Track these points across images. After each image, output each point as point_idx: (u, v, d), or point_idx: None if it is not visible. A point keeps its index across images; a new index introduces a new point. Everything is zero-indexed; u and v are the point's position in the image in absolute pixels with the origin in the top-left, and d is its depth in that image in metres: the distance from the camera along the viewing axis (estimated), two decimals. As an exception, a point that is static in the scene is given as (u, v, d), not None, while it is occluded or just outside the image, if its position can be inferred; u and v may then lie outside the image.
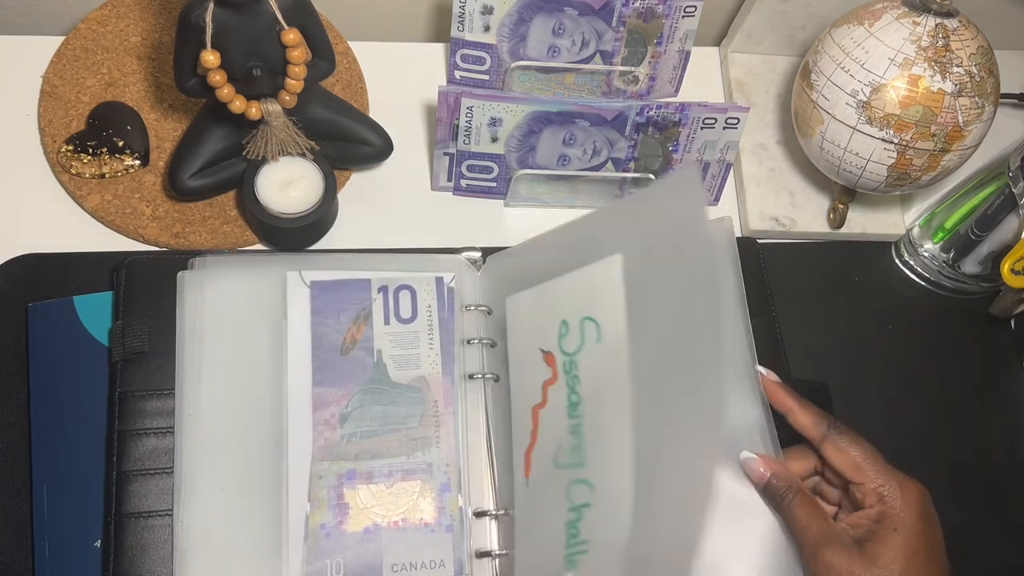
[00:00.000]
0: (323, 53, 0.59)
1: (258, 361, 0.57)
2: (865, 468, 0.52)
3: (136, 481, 0.54)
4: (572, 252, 0.58)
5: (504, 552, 0.56)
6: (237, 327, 0.57)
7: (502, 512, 0.56)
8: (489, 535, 0.56)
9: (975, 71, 0.63)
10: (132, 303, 0.58)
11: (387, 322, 0.59)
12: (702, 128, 0.68)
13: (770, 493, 0.53)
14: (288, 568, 0.53)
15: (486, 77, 0.73)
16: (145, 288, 0.58)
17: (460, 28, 0.70)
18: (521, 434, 0.56)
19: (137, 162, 0.66)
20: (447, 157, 0.68)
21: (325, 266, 0.60)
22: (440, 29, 0.82)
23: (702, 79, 0.79)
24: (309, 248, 0.66)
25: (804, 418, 0.54)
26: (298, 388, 0.56)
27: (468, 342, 0.60)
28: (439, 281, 0.61)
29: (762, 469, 0.53)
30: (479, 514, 0.56)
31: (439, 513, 0.55)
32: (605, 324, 0.55)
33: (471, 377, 0.60)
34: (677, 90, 0.77)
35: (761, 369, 0.57)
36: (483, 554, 0.56)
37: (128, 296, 0.58)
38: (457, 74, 0.73)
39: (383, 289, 0.59)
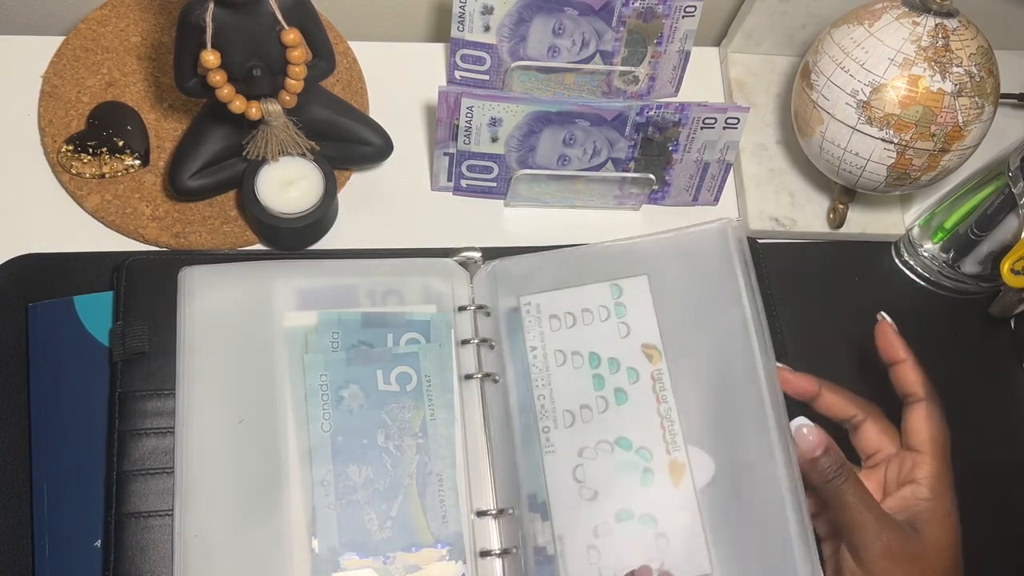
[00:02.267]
0: (323, 53, 0.59)
1: (258, 363, 0.57)
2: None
3: (136, 481, 0.54)
4: (599, 268, 0.62)
5: (507, 550, 0.56)
6: (237, 327, 0.57)
7: (504, 510, 0.57)
8: (490, 534, 0.56)
9: (975, 71, 0.63)
10: (132, 303, 0.58)
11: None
12: (702, 128, 0.68)
13: (817, 469, 0.51)
14: (289, 569, 0.53)
15: (486, 77, 0.73)
16: (145, 288, 0.58)
17: (460, 28, 0.70)
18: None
19: (137, 162, 0.66)
20: (447, 157, 0.68)
21: (315, 278, 0.60)
22: (440, 29, 0.82)
23: (702, 79, 0.79)
24: (309, 247, 0.66)
25: (835, 400, 0.55)
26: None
27: (465, 343, 0.61)
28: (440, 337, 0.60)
29: (815, 441, 0.51)
30: (480, 514, 0.57)
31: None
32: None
33: (468, 378, 0.60)
34: (677, 90, 0.77)
35: (885, 316, 0.58)
36: (485, 553, 0.56)
37: (128, 296, 0.58)
38: (457, 74, 0.73)
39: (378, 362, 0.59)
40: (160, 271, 0.58)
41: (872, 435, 0.55)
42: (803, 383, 0.56)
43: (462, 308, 0.61)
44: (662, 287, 0.61)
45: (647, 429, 0.58)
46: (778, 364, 0.57)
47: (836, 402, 0.56)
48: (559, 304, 0.61)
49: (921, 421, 0.53)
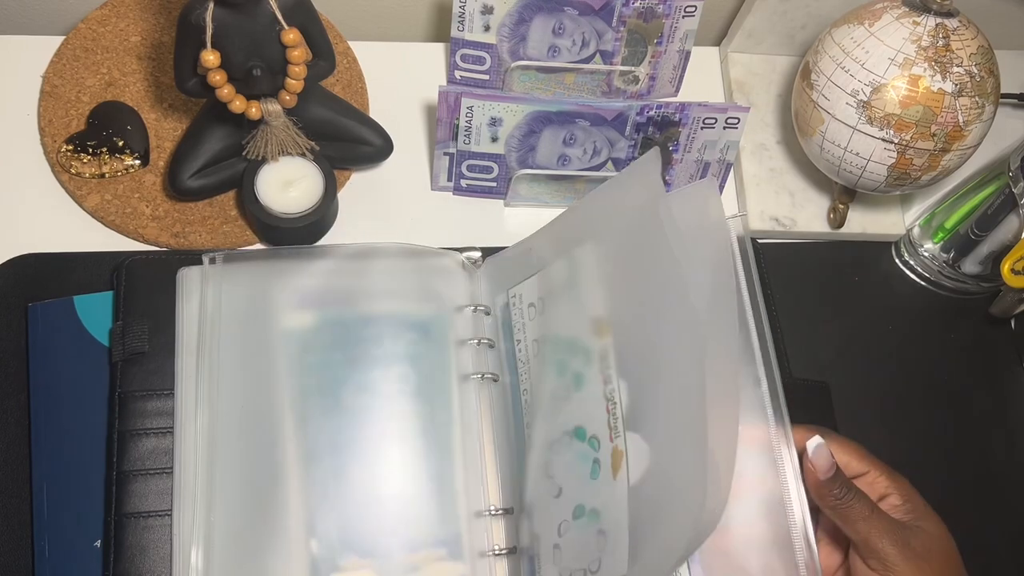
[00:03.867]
0: (323, 53, 0.59)
1: (257, 362, 0.57)
2: (861, 460, 0.52)
3: (136, 481, 0.54)
4: (557, 243, 0.58)
5: (505, 550, 0.56)
6: (236, 327, 0.57)
7: (503, 511, 0.57)
8: (490, 535, 0.56)
9: (975, 71, 0.63)
10: (132, 303, 0.58)
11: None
12: (702, 128, 0.68)
13: (831, 491, 0.49)
14: (288, 569, 0.53)
15: (486, 77, 0.73)
16: (145, 288, 0.58)
17: (460, 28, 0.70)
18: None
19: (137, 162, 0.66)
20: (447, 157, 0.68)
21: (315, 277, 0.60)
22: (440, 29, 0.82)
23: (702, 79, 0.79)
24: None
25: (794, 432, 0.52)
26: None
27: (464, 342, 0.60)
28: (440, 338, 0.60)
29: (829, 463, 0.49)
30: (479, 514, 0.56)
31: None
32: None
33: (468, 377, 0.60)
34: (677, 90, 0.77)
35: (810, 443, 0.50)
36: (484, 553, 0.55)
37: (128, 296, 0.58)
38: (457, 74, 0.73)
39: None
40: (160, 271, 0.58)
41: (836, 452, 0.52)
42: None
43: (459, 308, 0.61)
44: (609, 251, 0.54)
45: (596, 415, 0.53)
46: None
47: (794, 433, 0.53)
48: (533, 291, 0.59)
49: (838, 453, 0.51)
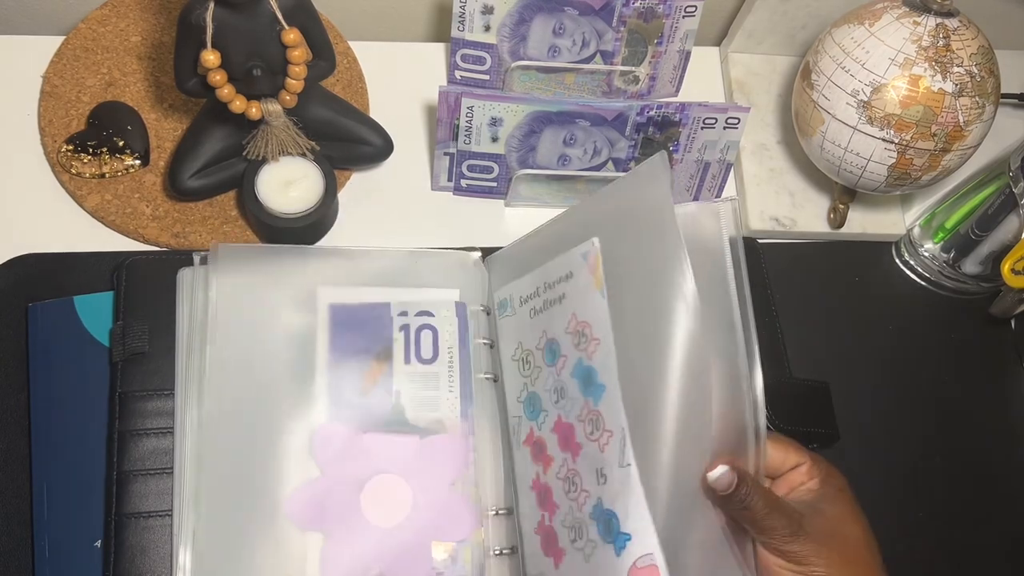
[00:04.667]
0: (323, 53, 0.59)
1: (258, 362, 0.56)
2: (797, 453, 0.52)
3: (136, 481, 0.54)
4: (557, 242, 0.58)
5: (509, 549, 0.56)
6: (236, 326, 0.57)
7: (504, 510, 0.56)
8: (494, 534, 0.56)
9: (975, 71, 0.63)
10: (132, 303, 0.58)
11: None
12: (702, 128, 0.68)
13: (734, 501, 0.48)
14: (290, 569, 0.53)
15: (486, 77, 0.73)
16: (145, 288, 0.58)
17: (460, 28, 0.70)
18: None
19: (137, 162, 0.66)
20: (447, 157, 0.68)
21: (336, 271, 0.59)
22: (440, 29, 0.82)
23: (702, 79, 0.79)
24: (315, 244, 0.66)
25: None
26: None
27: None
28: (460, 310, 0.60)
29: (729, 479, 0.48)
30: (483, 514, 0.56)
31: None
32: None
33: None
34: (677, 90, 0.77)
35: (712, 474, 0.49)
36: (489, 553, 0.56)
37: (128, 296, 0.58)
38: (457, 74, 0.73)
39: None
40: (160, 271, 0.58)
41: (772, 449, 0.52)
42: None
43: (464, 307, 0.61)
44: (611, 252, 0.54)
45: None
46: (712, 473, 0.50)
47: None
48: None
49: (774, 450, 0.51)
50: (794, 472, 0.52)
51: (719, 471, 0.48)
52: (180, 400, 0.55)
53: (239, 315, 0.57)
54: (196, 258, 0.58)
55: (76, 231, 0.64)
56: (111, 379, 0.56)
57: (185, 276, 0.58)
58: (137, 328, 0.56)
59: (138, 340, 0.56)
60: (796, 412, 0.64)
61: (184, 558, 0.51)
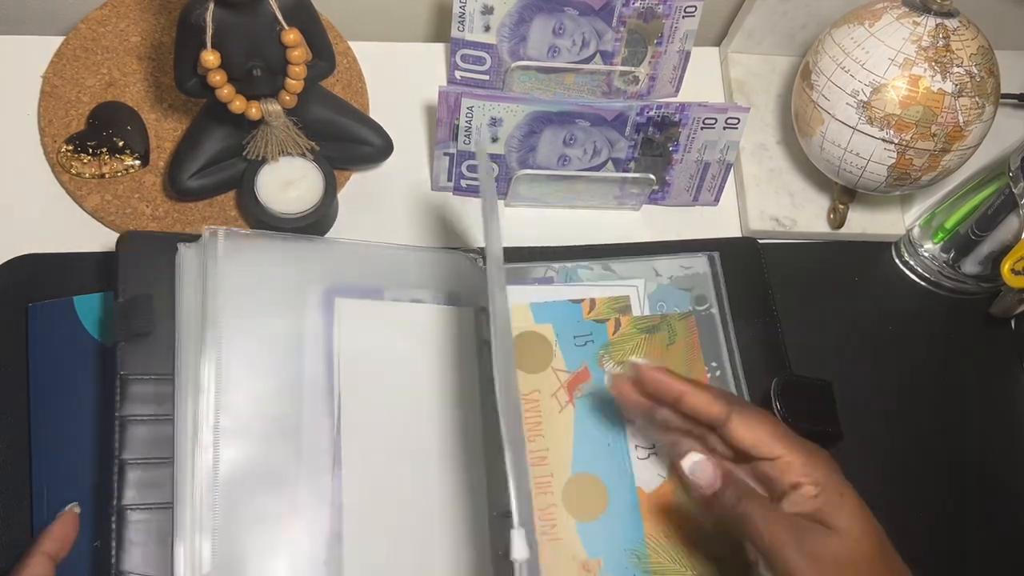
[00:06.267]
0: (323, 53, 0.59)
1: (262, 350, 0.55)
2: (775, 441, 0.47)
3: (137, 470, 0.51)
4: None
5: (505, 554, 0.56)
6: (237, 307, 0.54)
7: (500, 515, 0.57)
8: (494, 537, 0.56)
9: (975, 71, 0.63)
10: (133, 280, 0.54)
11: None
12: (702, 128, 0.68)
13: (721, 503, 0.46)
14: (294, 568, 0.52)
15: (486, 77, 0.73)
16: (146, 265, 0.55)
17: (460, 28, 0.70)
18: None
19: (137, 162, 0.66)
20: (447, 157, 0.68)
21: (344, 268, 0.58)
22: (440, 29, 0.82)
23: (702, 79, 0.79)
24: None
25: (699, 399, 0.47)
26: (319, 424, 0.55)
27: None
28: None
29: (712, 475, 0.46)
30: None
31: None
32: None
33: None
34: (677, 90, 0.77)
35: (637, 360, 0.48)
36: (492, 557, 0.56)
37: (129, 272, 0.54)
38: (457, 74, 0.73)
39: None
40: (159, 247, 0.55)
41: (743, 430, 0.48)
42: (662, 381, 0.48)
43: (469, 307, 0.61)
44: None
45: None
46: (637, 360, 0.48)
47: (701, 401, 0.48)
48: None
49: (742, 436, 0.47)
50: (781, 472, 0.46)
51: (691, 460, 0.44)
52: (181, 385, 0.53)
53: (250, 302, 0.55)
54: (206, 232, 0.55)
55: (76, 231, 0.64)
56: (109, 362, 0.53)
57: (183, 259, 0.55)
58: (143, 307, 0.53)
59: (143, 320, 0.53)
60: (801, 409, 0.63)
61: (199, 550, 0.50)
